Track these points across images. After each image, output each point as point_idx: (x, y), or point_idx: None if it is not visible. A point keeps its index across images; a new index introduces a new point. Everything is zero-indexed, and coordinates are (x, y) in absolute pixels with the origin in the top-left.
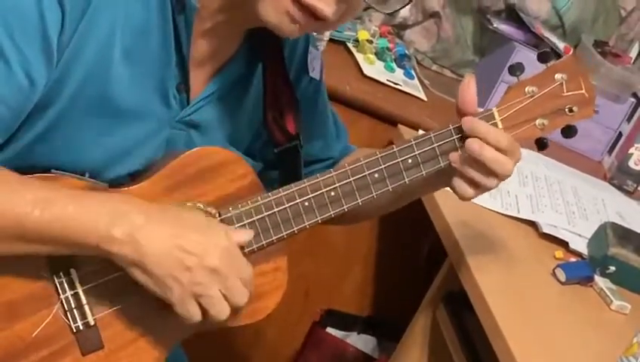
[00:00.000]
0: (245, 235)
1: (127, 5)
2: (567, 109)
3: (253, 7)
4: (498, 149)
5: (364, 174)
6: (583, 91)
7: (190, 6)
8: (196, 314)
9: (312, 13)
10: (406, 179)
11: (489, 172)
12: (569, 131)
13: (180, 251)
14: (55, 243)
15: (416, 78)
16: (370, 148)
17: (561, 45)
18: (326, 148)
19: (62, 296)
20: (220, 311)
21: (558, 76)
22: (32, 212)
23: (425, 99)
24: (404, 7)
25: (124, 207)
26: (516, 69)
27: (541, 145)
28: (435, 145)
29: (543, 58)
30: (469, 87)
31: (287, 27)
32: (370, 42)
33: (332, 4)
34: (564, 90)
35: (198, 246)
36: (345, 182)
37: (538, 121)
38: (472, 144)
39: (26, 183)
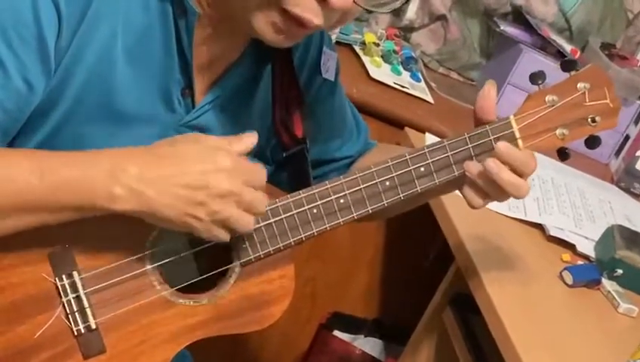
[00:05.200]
0: (246, 142)
1: (127, 8)
2: (589, 119)
3: (246, 19)
4: (515, 170)
5: (374, 182)
6: (608, 101)
7: (191, 11)
8: (224, 236)
9: (300, 23)
10: (418, 188)
11: (503, 192)
12: (593, 142)
13: (186, 189)
14: (59, 210)
15: (422, 81)
16: (388, 145)
17: (567, 48)
18: (343, 148)
19: (64, 299)
20: (246, 224)
21: (580, 85)
22: (31, 181)
23: (432, 101)
24: (403, 4)
25: (119, 161)
26: (538, 78)
27: (563, 155)
28: (449, 153)
29: (566, 67)
30: (489, 95)
31: (273, 38)
32: (377, 45)
33: (319, 15)
34: (587, 100)
35: (201, 177)
36: (355, 189)
37: (558, 131)
38: (491, 164)
39: (19, 153)
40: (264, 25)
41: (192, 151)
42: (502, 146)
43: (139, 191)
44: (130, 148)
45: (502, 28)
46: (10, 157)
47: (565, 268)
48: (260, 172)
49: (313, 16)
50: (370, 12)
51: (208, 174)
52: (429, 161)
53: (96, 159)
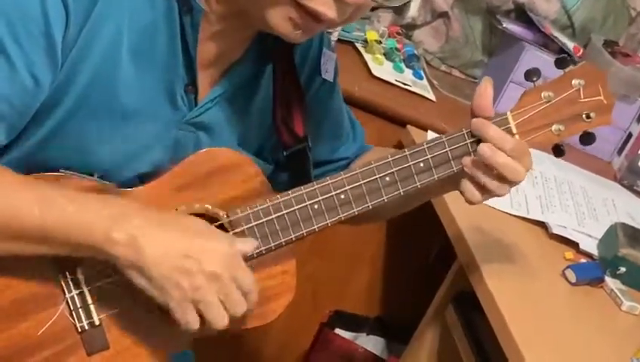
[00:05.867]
0: (249, 245)
1: (133, 6)
2: (584, 115)
3: (260, 15)
4: (508, 154)
5: (374, 177)
6: (602, 98)
7: (197, 8)
8: (194, 321)
9: (316, 17)
10: (417, 183)
11: (500, 177)
12: (587, 138)
13: (180, 255)
14: (54, 244)
15: (425, 79)
16: (384, 148)
17: (570, 45)
18: (340, 149)
19: (67, 296)
20: (218, 318)
21: (575, 82)
22: (32, 211)
23: (434, 99)
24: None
25: (124, 210)
26: (533, 74)
27: (558, 151)
28: (448, 149)
29: (560, 64)
30: (485, 92)
31: (290, 33)
32: (379, 43)
33: (333, 8)
34: (582, 96)
35: (198, 250)
36: (355, 185)
37: (554, 127)
38: (484, 148)
39: (27, 183)
40: (281, 20)
41: (197, 227)
42: (492, 131)
43: (136, 239)
44: (138, 204)
45: (504, 25)
46: (18, 184)
47: (568, 266)
48: (250, 277)
49: (327, 9)
50: (376, 8)
51: (207, 250)
52: (428, 156)
53: (102, 203)
